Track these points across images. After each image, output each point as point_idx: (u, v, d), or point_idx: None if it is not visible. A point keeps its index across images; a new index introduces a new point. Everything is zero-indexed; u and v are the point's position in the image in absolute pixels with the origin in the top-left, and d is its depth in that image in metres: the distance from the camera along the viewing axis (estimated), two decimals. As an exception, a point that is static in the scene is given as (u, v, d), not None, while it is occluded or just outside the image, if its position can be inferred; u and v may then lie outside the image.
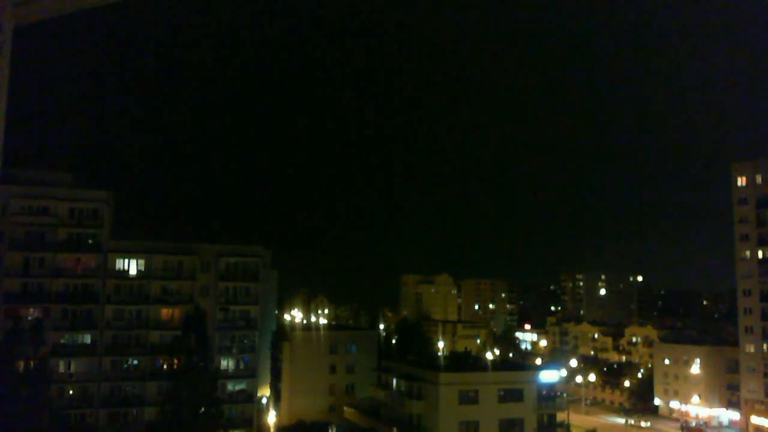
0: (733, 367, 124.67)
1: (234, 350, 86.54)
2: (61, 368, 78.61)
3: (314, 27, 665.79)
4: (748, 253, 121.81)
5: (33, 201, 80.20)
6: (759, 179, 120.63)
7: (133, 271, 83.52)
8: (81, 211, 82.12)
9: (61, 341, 79.16)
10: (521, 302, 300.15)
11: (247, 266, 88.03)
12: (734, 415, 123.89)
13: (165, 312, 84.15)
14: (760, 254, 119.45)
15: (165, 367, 79.58)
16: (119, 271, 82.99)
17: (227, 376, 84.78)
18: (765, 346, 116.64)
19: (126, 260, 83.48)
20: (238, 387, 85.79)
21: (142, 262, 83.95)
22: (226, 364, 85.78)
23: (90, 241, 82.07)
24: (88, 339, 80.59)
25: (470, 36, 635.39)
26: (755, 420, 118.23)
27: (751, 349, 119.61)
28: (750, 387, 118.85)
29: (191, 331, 67.46)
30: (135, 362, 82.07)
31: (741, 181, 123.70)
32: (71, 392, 78.67)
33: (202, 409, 65.69)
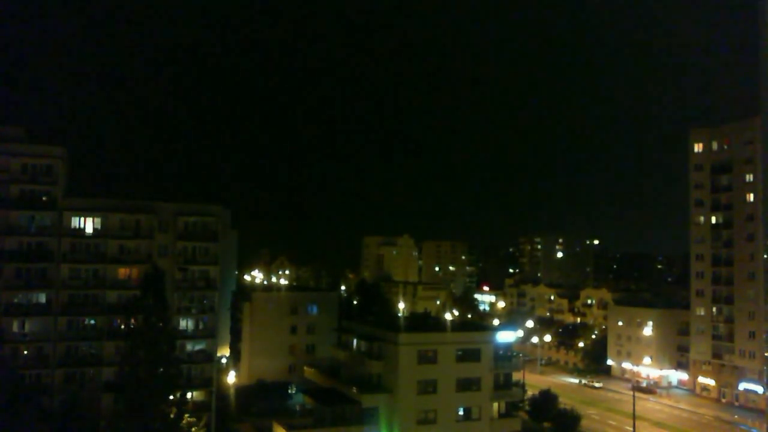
0: (684, 330, 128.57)
1: (193, 310, 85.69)
2: (15, 328, 76.97)
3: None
4: (701, 218, 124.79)
5: (-17, 156, 77.47)
6: (715, 146, 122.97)
7: (89, 230, 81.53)
8: (35, 167, 79.54)
9: (15, 301, 77.33)
10: (480, 264, 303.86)
11: (206, 226, 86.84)
12: (683, 376, 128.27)
13: (122, 271, 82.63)
14: (713, 220, 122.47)
15: (123, 327, 78.46)
16: (75, 229, 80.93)
17: (186, 336, 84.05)
18: (714, 310, 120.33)
19: (81, 218, 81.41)
20: (198, 347, 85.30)
21: (98, 220, 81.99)
22: (185, 324, 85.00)
23: (44, 199, 79.79)
24: (42, 298, 78.87)
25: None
26: (702, 380, 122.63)
27: (701, 312, 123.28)
28: (699, 349, 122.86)
29: (149, 291, 66.46)
30: (92, 322, 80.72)
31: (698, 148, 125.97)
32: (26, 352, 77.06)
33: (161, 369, 65.26)
